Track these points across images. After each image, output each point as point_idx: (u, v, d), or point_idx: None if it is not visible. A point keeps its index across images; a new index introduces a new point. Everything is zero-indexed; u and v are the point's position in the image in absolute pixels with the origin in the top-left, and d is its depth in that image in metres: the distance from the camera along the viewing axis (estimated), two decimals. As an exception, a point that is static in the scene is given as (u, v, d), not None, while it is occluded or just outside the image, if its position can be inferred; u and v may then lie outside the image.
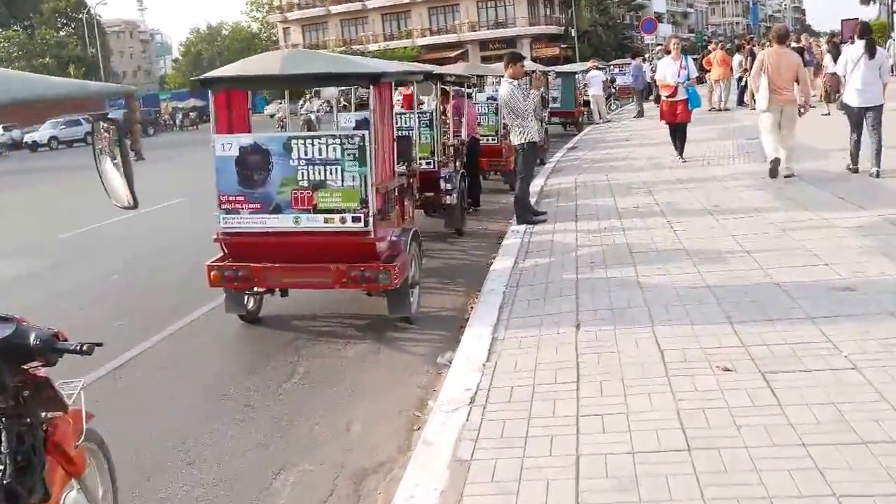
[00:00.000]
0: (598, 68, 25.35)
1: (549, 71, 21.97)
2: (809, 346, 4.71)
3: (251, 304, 6.90)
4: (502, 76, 9.74)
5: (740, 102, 23.93)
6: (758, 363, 4.52)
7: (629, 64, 30.94)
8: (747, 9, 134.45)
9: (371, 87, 5.97)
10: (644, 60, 32.65)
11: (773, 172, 10.49)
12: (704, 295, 5.87)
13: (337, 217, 6.03)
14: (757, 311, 5.41)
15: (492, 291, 6.68)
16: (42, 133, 45.59)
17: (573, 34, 67.10)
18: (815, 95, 17.07)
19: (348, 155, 5.94)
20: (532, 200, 10.96)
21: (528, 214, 9.53)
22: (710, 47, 25.12)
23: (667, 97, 12.96)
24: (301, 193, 6.03)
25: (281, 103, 29.02)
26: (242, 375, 5.81)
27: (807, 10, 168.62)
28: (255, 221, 6.14)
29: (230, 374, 5.90)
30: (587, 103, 25.87)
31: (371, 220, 5.97)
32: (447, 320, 6.73)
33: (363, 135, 5.91)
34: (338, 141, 5.94)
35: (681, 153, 13.32)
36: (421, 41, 68.58)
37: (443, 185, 9.85)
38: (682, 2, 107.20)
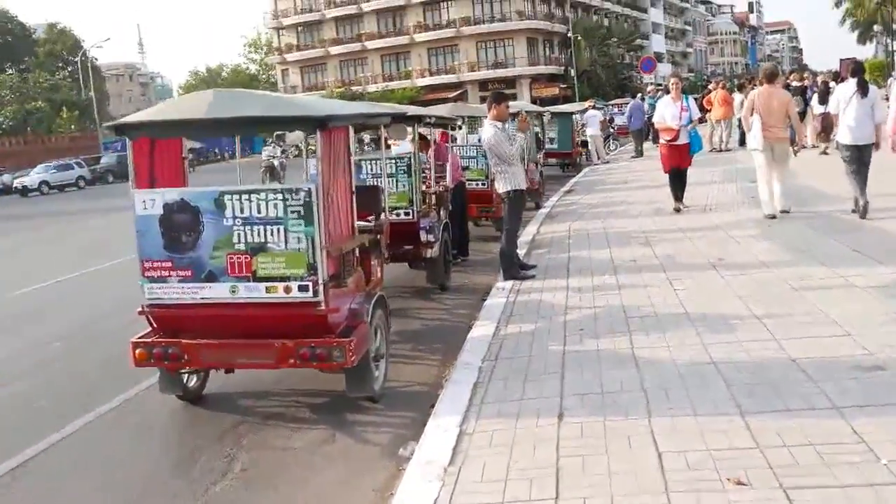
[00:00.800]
0: (595, 108, 24.71)
1: (545, 111, 21.31)
2: (839, 448, 3.85)
3: (192, 382, 6.05)
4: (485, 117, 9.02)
5: (742, 143, 23.25)
6: (777, 473, 3.66)
7: (629, 103, 30.35)
8: (746, 48, 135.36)
9: (318, 132, 5.16)
10: (642, 99, 32.21)
11: (771, 216, 10.64)
12: (710, 374, 5.02)
13: (281, 286, 5.20)
14: (773, 396, 4.56)
15: (467, 366, 5.83)
16: (32, 178, 45.11)
17: (573, 74, 66.91)
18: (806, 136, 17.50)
19: (292, 212, 5.12)
20: (522, 251, 10.17)
21: (514, 269, 8.72)
22: (710, 86, 24.50)
23: (667, 141, 11.96)
24: (238, 258, 5.20)
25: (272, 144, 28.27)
26: (167, 474, 4.95)
27: (804, 50, 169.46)
28: (186, 291, 5.30)
29: (152, 473, 5.01)
30: (585, 144, 25.22)
31: (321, 288, 5.14)
32: (417, 398, 5.87)
33: (309, 189, 5.09)
34: (279, 196, 5.12)
35: (679, 199, 12.37)
36: (421, 82, 68.44)
37: (423, 236, 9.06)
38: (681, 42, 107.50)
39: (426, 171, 9.75)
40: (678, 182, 12.32)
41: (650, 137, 30.91)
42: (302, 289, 5.17)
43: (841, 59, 41.19)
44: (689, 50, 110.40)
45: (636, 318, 6.51)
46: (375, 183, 8.88)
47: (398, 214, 8.91)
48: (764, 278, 7.38)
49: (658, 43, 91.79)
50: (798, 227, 9.86)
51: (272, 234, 5.14)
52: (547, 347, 6.03)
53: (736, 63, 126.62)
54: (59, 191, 44.87)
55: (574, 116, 24.01)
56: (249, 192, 5.17)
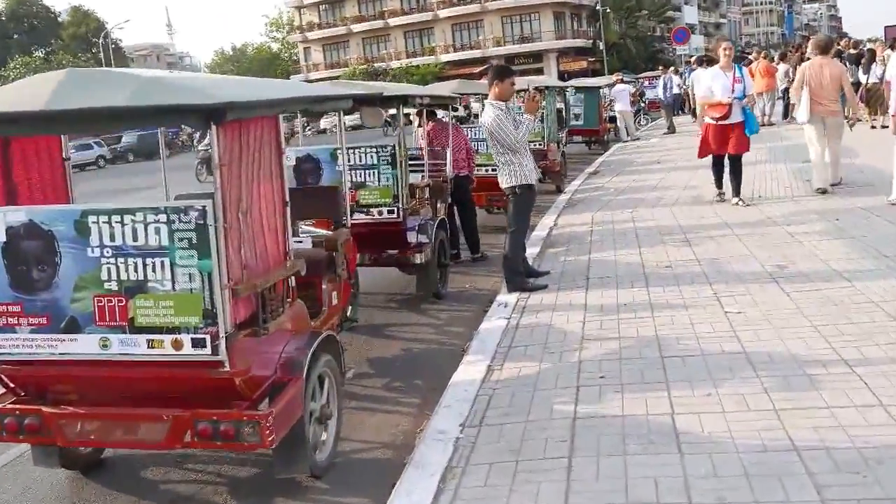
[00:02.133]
0: (624, 81, 22.76)
1: (568, 86, 19.47)
2: None
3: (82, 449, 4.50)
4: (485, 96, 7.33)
5: (785, 116, 21.26)
6: None
7: (660, 77, 28.36)
8: (782, 18, 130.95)
9: (214, 127, 3.50)
10: (676, 72, 30.12)
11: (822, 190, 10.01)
12: (791, 469, 3.33)
13: (168, 339, 3.59)
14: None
15: (439, 438, 4.17)
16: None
17: (601, 47, 64.51)
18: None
19: (180, 241, 3.51)
20: (535, 250, 8.49)
21: (520, 279, 7.03)
22: (751, 56, 22.42)
23: (715, 119, 9.52)
24: (108, 301, 3.61)
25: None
26: None
27: (843, 18, 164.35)
28: (41, 344, 3.72)
29: None
30: (613, 120, 23.33)
31: (222, 343, 3.52)
32: (376, 470, 4.27)
33: (203, 207, 3.47)
34: (162, 216, 3.51)
35: (737, 192, 10.00)
36: (445, 57, 66.42)
37: (411, 237, 7.43)
38: (714, 12, 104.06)
39: (423, 157, 8.15)
40: (732, 171, 10.02)
41: (686, 111, 29.02)
42: (196, 343, 3.56)
43: (886, 27, 38.50)
44: (723, 20, 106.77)
45: (676, 360, 4.81)
46: (356, 177, 7.28)
47: (380, 213, 7.28)
48: (844, 297, 5.62)
49: (691, 14, 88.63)
50: (872, 220, 8.06)
51: (154, 270, 3.53)
52: (552, 407, 4.35)
53: (771, 33, 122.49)
54: (80, 170, 43.65)
55: (601, 91, 22.11)
56: (122, 213, 3.55)
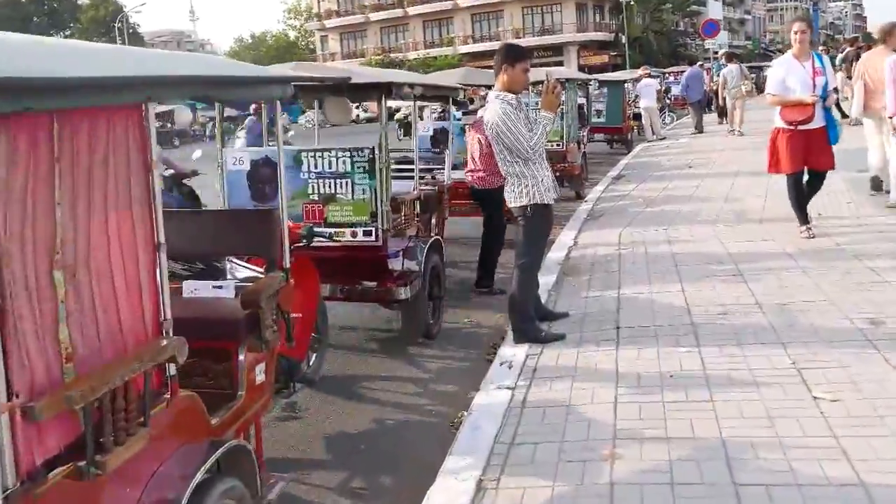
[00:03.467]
0: (650, 76, 20.95)
1: (591, 80, 17.76)
2: None
3: None
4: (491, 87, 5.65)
5: (824, 117, 19.42)
6: None
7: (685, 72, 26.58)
8: (808, 16, 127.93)
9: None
10: (701, 66, 28.26)
11: (877, 186, 9.34)
12: None
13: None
14: None
15: None
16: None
17: (623, 41, 62.47)
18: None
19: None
20: (550, 278, 6.88)
21: (531, 327, 5.39)
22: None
23: (794, 124, 7.37)
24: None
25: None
26: None
27: (868, 18, 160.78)
28: None
29: None
30: (637, 117, 21.56)
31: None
32: None
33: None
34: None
35: (808, 218, 7.77)
36: (463, 49, 64.58)
37: (394, 265, 5.82)
38: (739, 8, 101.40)
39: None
40: (808, 191, 7.78)
41: (713, 109, 27.17)
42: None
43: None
44: (748, 17, 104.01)
45: (756, 492, 3.17)
46: (324, 188, 5.68)
47: (354, 234, 5.68)
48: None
49: (715, 9, 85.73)
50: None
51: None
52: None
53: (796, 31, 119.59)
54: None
55: (625, 85, 20.35)
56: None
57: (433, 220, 7.12)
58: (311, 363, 5.19)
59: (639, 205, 10.61)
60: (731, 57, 21.36)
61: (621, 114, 19.13)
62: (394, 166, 8.10)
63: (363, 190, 5.66)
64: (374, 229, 5.65)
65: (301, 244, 4.72)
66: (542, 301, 6.02)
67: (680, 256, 7.34)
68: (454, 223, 8.62)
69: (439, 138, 9.32)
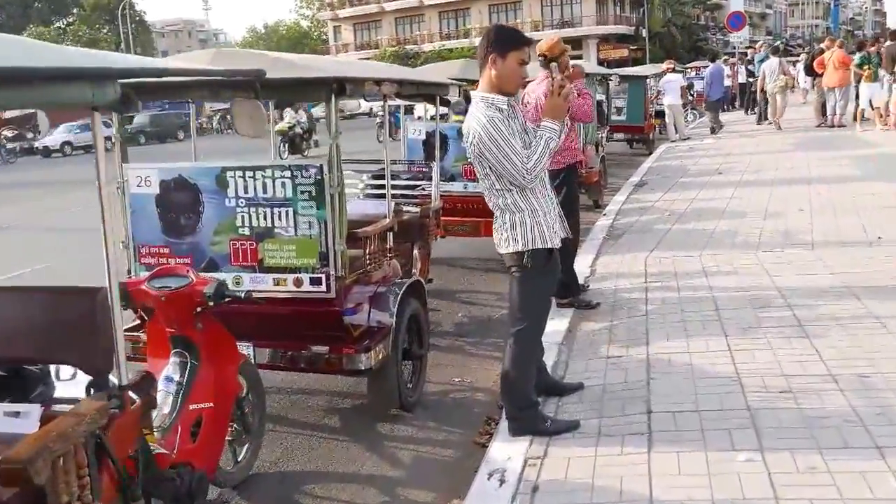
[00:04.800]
0: (675, 71, 19.43)
1: (611, 74, 16.33)
2: None
3: None
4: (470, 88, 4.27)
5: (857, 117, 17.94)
6: None
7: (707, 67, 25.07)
8: (828, 11, 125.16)
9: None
10: (726, 62, 26.70)
11: None
12: None
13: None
14: None
15: None
16: (55, 138, 41.23)
17: (644, 35, 60.72)
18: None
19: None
20: (561, 324, 5.55)
21: (531, 415, 3.99)
22: (823, 45, 19.00)
23: None
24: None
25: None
26: None
27: (888, 14, 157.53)
28: None
29: None
30: (660, 115, 20.09)
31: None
32: None
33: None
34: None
35: None
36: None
37: (355, 320, 4.50)
38: (760, 2, 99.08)
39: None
40: None
41: (740, 106, 25.64)
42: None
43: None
44: (769, 11, 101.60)
45: None
46: (258, 220, 4.36)
47: (299, 282, 4.36)
48: None
49: (736, 3, 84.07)
50: None
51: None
52: None
53: (816, 26, 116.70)
54: (85, 151, 41.06)
55: (647, 81, 18.85)
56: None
57: (416, 253, 5.77)
58: (238, 459, 3.89)
59: (665, 220, 9.21)
60: (776, 50, 19.90)
61: (643, 112, 17.67)
62: (372, 182, 6.80)
63: (309, 223, 4.33)
64: (323, 276, 4.32)
65: (207, 307, 3.42)
66: (549, 364, 4.68)
67: (720, 295, 5.95)
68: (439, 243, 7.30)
69: (435, 143, 7.99)
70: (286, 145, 22.45)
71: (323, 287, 4.33)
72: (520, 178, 3.67)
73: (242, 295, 3.65)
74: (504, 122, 3.69)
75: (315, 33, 76.72)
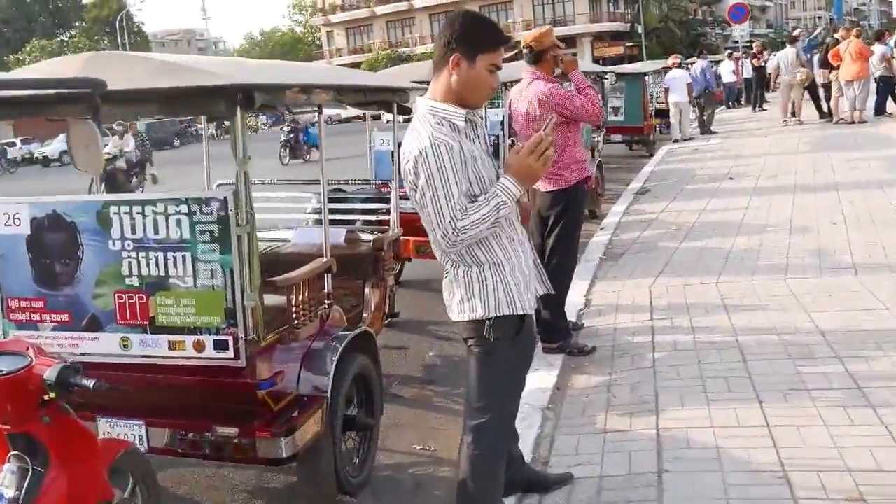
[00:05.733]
0: (680, 66, 18.20)
1: (607, 73, 15.21)
2: None
3: None
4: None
5: (880, 111, 16.79)
6: None
7: (719, 62, 24.02)
8: (830, 2, 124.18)
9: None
10: (730, 56, 25.54)
11: None
12: None
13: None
14: None
15: None
16: (54, 147, 41.05)
17: (639, 31, 59.63)
18: None
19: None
20: (548, 377, 4.42)
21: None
22: (839, 35, 17.82)
23: None
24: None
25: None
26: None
27: (893, 3, 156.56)
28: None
29: None
30: (660, 114, 18.93)
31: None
32: None
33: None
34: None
35: None
36: (473, 42, 62.00)
37: (274, 392, 3.37)
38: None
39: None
40: None
41: (746, 102, 24.49)
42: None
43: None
44: (769, 3, 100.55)
45: None
46: (148, 269, 3.27)
47: (200, 346, 3.26)
48: None
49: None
50: None
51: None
52: None
53: (819, 18, 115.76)
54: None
55: (645, 78, 17.65)
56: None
57: (368, 293, 4.61)
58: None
59: (672, 236, 8.04)
60: (793, 39, 18.78)
61: (642, 111, 16.51)
62: (332, 206, 5.64)
63: (211, 271, 3.21)
64: (230, 338, 3.19)
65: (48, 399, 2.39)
66: (530, 439, 3.55)
67: (747, 340, 4.79)
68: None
69: (393, 159, 6.87)
70: (103, 183, 19.05)
71: (230, 352, 3.21)
72: (439, 234, 2.54)
73: (91, 386, 2.55)
74: (453, 149, 2.55)
75: (309, 39, 75.69)
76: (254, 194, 5.33)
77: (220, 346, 3.23)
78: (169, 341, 3.28)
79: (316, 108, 3.93)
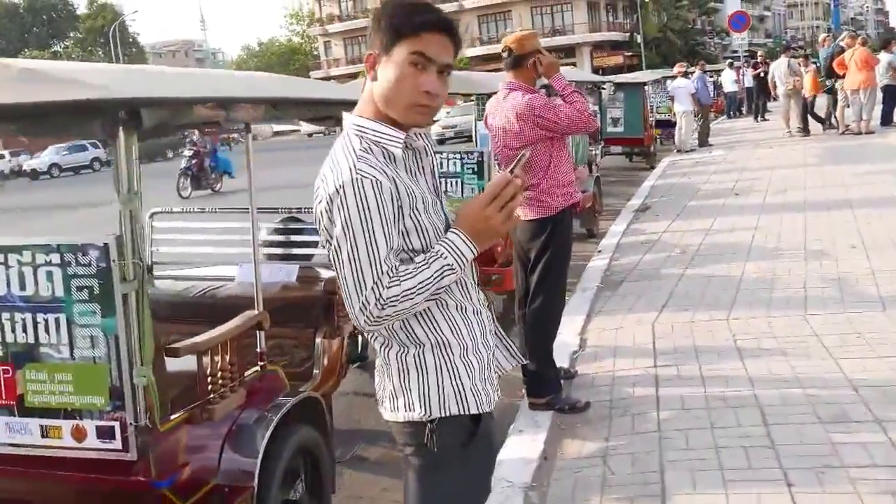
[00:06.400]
0: (686, 75, 17.49)
1: (604, 83, 14.54)
2: None
3: None
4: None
5: (887, 121, 16.11)
6: None
7: (720, 71, 23.37)
8: (828, 12, 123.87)
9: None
10: (731, 66, 24.91)
11: None
12: None
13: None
14: None
15: None
16: (42, 160, 40.26)
17: (639, 41, 59.08)
18: None
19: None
20: (532, 449, 3.66)
21: None
22: (844, 43, 17.16)
23: None
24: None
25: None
26: None
27: (890, 13, 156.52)
28: None
29: None
30: (661, 124, 18.26)
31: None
32: None
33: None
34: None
35: None
36: (471, 52, 61.28)
37: (180, 487, 2.64)
38: (758, 5, 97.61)
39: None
40: None
41: (747, 112, 23.82)
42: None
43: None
44: (767, 13, 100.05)
45: None
46: (22, 336, 2.57)
47: (80, 434, 2.56)
48: None
49: (733, 6, 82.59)
50: None
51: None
52: None
53: (817, 27, 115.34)
54: (74, 173, 39.58)
55: (645, 88, 16.96)
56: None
57: (319, 343, 3.88)
58: None
59: (675, 260, 7.33)
60: (786, 48, 18.28)
61: (642, 122, 15.83)
62: (285, 238, 4.93)
63: (91, 338, 2.50)
64: (116, 425, 2.49)
65: None
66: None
67: (767, 396, 4.06)
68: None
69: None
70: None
71: (116, 442, 2.49)
72: (356, 306, 1.79)
73: None
74: (383, 187, 1.81)
75: (306, 49, 75.08)
76: (191, 224, 4.62)
77: (104, 433, 2.52)
78: (41, 426, 2.57)
79: (242, 127, 3.22)
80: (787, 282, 6.13)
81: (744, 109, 24.95)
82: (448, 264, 1.81)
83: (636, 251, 7.92)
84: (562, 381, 4.45)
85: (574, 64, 53.23)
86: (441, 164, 5.89)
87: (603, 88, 13.76)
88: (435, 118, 4.14)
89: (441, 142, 26.73)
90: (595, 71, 49.32)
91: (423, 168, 1.99)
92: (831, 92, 16.96)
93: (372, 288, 1.75)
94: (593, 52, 59.57)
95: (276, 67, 63.47)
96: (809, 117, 17.28)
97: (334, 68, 66.40)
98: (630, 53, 59.53)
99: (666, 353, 4.90)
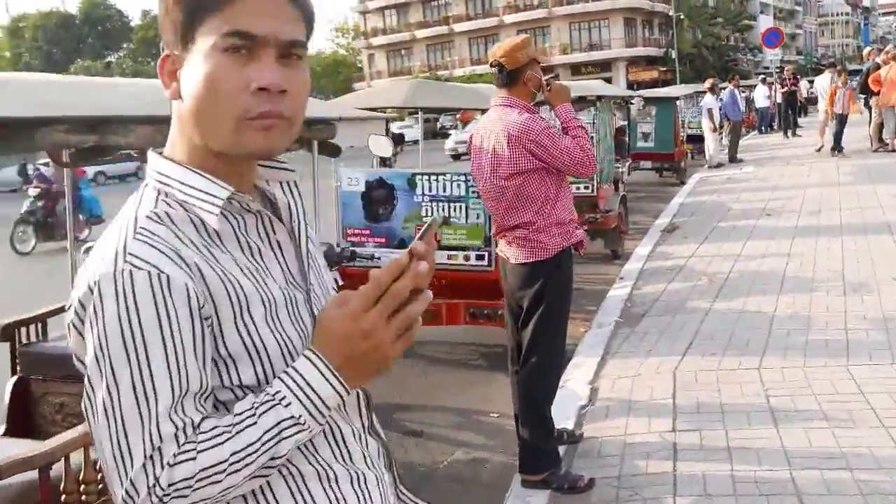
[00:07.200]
0: (713, 90, 16.46)
1: (633, 97, 13.64)
2: None
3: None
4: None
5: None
6: None
7: (754, 87, 22.26)
8: (858, 30, 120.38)
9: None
10: (764, 81, 23.72)
11: None
12: None
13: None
14: None
15: None
16: (89, 170, 40.06)
17: (673, 56, 57.65)
18: None
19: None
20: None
21: None
22: (879, 59, 15.98)
23: None
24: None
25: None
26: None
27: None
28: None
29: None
30: (692, 140, 17.28)
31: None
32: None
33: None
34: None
35: None
36: (509, 66, 60.55)
37: None
38: (790, 23, 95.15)
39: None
40: None
41: (778, 127, 22.65)
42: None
43: None
44: (799, 31, 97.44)
45: None
46: None
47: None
48: None
49: (766, 23, 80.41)
50: None
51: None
52: None
53: (847, 45, 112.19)
54: (120, 180, 39.63)
55: (677, 103, 15.98)
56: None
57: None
58: None
59: (702, 291, 6.44)
60: (832, 64, 17.25)
61: (673, 137, 14.88)
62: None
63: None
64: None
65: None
66: None
67: (809, 486, 3.19)
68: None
69: (376, 198, 5.41)
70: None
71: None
72: (120, 492, 0.95)
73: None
74: (172, 285, 0.98)
75: (350, 61, 74.78)
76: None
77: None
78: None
79: (135, 155, 2.47)
80: (825, 321, 5.24)
81: (775, 125, 23.77)
82: (291, 416, 1.00)
83: (661, 279, 7.05)
84: (563, 449, 3.63)
85: (609, 79, 52.08)
86: (444, 186, 5.14)
87: (632, 103, 12.87)
88: (403, 134, 3.33)
89: (456, 157, 25.21)
90: (630, 85, 48.20)
91: (278, 242, 1.16)
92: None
93: (143, 465, 0.94)
94: (629, 67, 58.38)
95: (322, 79, 63.25)
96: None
97: (377, 79, 66.04)
98: (665, 69, 58.15)
99: (687, 411, 4.05)
